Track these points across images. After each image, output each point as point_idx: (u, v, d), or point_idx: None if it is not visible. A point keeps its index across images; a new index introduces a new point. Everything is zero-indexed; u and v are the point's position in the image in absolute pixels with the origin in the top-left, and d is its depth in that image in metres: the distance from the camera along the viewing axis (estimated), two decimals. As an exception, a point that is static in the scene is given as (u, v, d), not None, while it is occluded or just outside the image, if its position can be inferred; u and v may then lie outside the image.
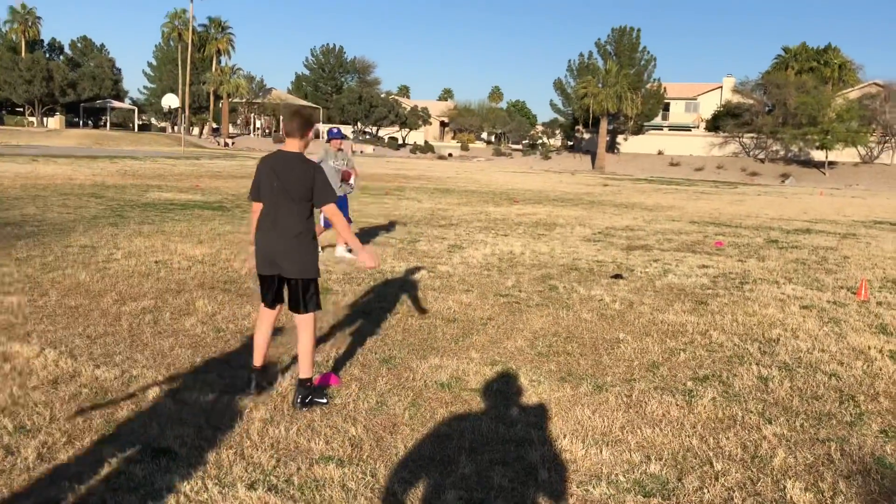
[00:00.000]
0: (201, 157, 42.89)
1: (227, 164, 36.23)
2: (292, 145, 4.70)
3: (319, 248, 4.44)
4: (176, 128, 78.08)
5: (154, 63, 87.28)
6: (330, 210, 4.67)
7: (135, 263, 8.86)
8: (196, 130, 78.82)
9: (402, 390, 4.98)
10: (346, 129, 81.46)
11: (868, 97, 61.19)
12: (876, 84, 64.57)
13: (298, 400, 4.60)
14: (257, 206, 4.80)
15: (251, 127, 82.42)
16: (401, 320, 6.83)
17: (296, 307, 4.74)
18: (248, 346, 5.77)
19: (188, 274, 8.44)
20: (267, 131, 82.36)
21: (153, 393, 4.68)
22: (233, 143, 69.49)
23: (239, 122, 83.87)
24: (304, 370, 4.68)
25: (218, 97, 74.18)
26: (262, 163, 4.77)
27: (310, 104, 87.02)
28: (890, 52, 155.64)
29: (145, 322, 6.34)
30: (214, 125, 78.37)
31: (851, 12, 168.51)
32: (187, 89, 74.95)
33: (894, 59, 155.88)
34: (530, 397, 4.98)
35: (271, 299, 4.86)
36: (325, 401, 4.65)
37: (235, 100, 75.12)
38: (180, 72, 76.26)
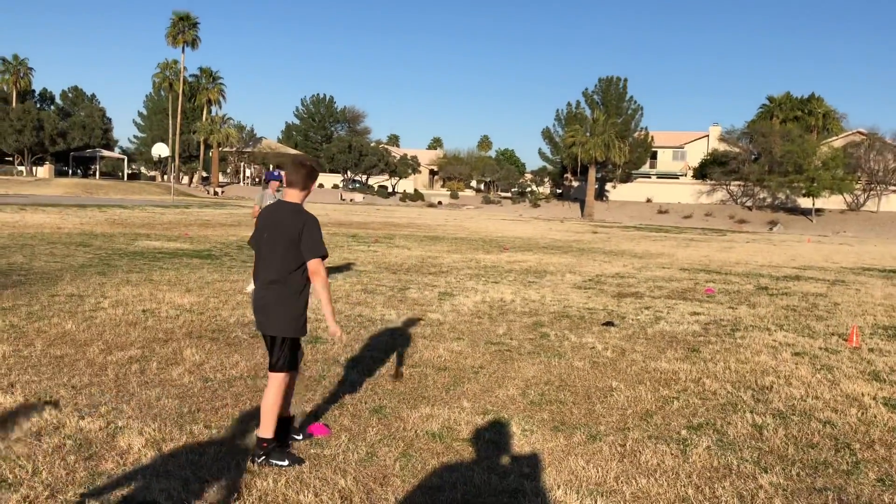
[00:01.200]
0: (191, 206, 42.94)
1: (217, 213, 36.26)
2: (292, 196, 4.59)
3: (308, 306, 4.26)
4: (166, 177, 78.30)
5: (144, 112, 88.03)
6: (313, 266, 4.44)
7: (122, 312, 8.77)
8: (186, 179, 79.04)
9: (392, 440, 4.90)
10: (335, 178, 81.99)
11: (852, 145, 62.22)
12: (860, 132, 65.69)
13: (255, 458, 4.40)
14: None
15: (241, 176, 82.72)
16: (391, 369, 6.75)
17: (270, 361, 4.60)
18: (235, 395, 5.69)
19: (176, 323, 8.36)
20: (256, 180, 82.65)
21: (138, 444, 4.59)
22: (222, 192, 69.67)
23: (229, 170, 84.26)
24: (263, 429, 4.44)
25: (208, 146, 74.66)
26: (262, 212, 4.72)
27: (299, 153, 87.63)
28: (872, 100, 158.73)
29: (132, 372, 6.24)
30: (204, 174, 78.66)
31: (834, 62, 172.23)
32: (177, 138, 75.42)
33: (877, 108, 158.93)
34: (523, 447, 4.91)
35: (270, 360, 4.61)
36: (285, 462, 4.36)
37: (225, 149, 75.62)
38: (171, 121, 76.84)
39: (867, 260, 25.06)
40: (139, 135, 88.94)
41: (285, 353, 4.52)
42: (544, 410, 5.73)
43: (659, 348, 8.23)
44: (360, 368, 6.71)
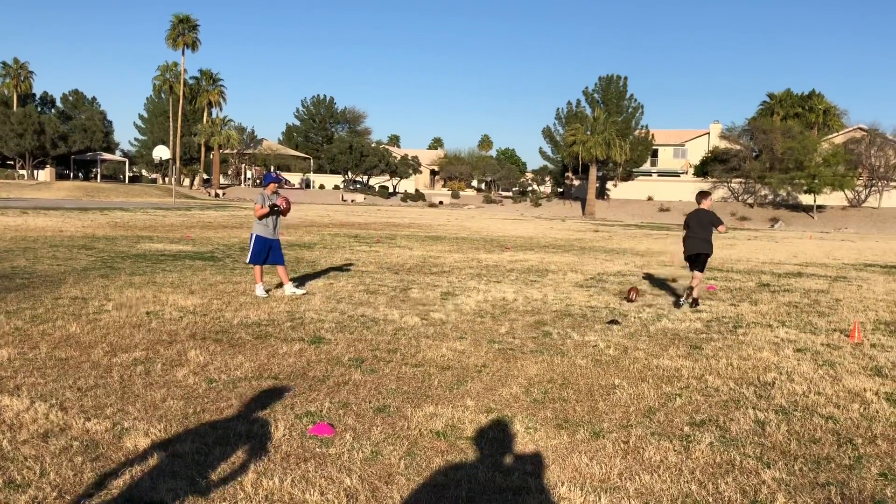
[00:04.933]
0: (192, 208, 42.98)
1: (218, 215, 36.31)
2: None
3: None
4: (167, 179, 78.41)
5: (145, 115, 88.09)
6: None
7: (126, 315, 8.81)
8: (187, 181, 79.14)
9: (397, 439, 4.93)
10: (336, 179, 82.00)
11: (853, 141, 62.22)
12: (860, 129, 65.67)
13: None
14: None
15: (242, 177, 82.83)
16: (395, 368, 6.78)
17: None
18: (240, 395, 5.72)
19: (180, 325, 8.39)
20: (257, 181, 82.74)
21: (145, 445, 4.62)
22: (223, 194, 69.74)
23: (230, 172, 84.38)
24: None
25: (209, 148, 74.74)
26: None
27: (300, 154, 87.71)
28: (873, 97, 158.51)
29: (136, 373, 6.27)
30: (205, 176, 78.76)
31: (834, 59, 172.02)
32: (178, 141, 75.48)
33: (878, 104, 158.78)
34: (526, 445, 4.94)
35: None
36: None
37: (226, 151, 75.69)
38: (171, 124, 76.92)
39: (869, 256, 25.05)
40: (140, 137, 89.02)
41: None
42: (547, 408, 5.75)
43: (661, 346, 8.25)
44: (363, 368, 6.74)
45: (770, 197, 63.93)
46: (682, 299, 11.32)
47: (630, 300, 11.50)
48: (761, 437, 5.23)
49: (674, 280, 14.52)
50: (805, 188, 58.89)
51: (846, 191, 60.10)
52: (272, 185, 11.00)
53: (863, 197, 61.29)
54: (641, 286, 13.48)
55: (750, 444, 5.07)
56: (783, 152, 60.68)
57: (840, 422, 5.64)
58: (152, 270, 13.12)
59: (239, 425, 5.07)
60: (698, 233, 11.42)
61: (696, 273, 11.42)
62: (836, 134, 69.83)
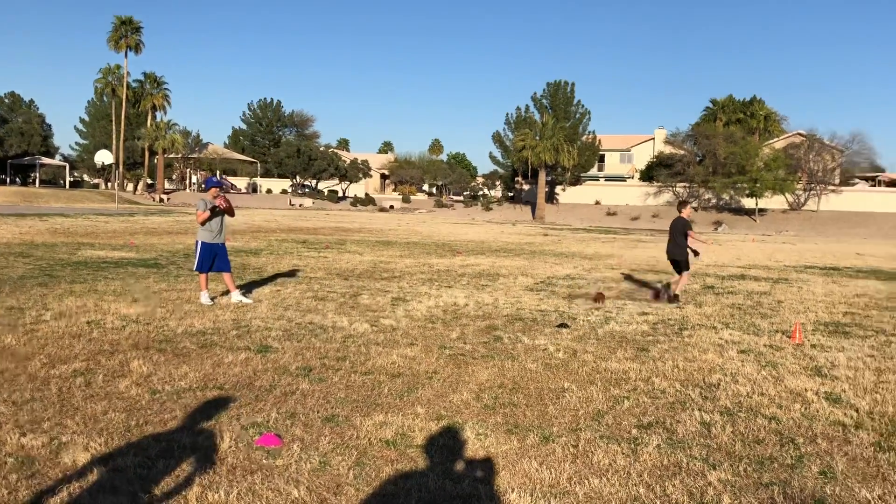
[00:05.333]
0: (136, 214, 42.09)
1: (163, 221, 35.60)
2: None
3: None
4: (109, 184, 76.63)
5: (87, 119, 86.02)
6: None
7: (65, 324, 8.54)
8: (130, 186, 77.47)
9: (346, 449, 4.87)
10: (283, 183, 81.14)
11: (793, 146, 64.15)
12: (800, 134, 67.72)
13: None
14: None
15: (187, 182, 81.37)
16: (344, 376, 6.71)
17: None
18: (184, 406, 5.58)
19: (122, 334, 8.17)
20: (203, 186, 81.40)
21: (84, 460, 4.47)
22: (168, 199, 68.45)
23: (175, 177, 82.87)
24: None
25: (153, 152, 73.21)
26: None
27: (247, 158, 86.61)
28: (811, 103, 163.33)
29: (76, 385, 6.08)
30: (149, 181, 77.21)
31: (775, 65, 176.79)
32: (121, 145, 73.84)
33: (816, 110, 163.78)
34: (477, 451, 4.92)
35: None
36: None
37: (171, 155, 74.33)
38: (114, 127, 75.19)
39: (808, 258, 25.78)
40: (81, 142, 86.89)
41: None
42: (498, 414, 5.75)
43: (609, 348, 8.33)
44: (311, 377, 6.65)
45: (714, 201, 65.38)
46: (667, 295, 12.55)
47: (598, 303, 11.95)
48: (707, 439, 5.31)
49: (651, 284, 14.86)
50: (747, 192, 60.48)
51: (787, 195, 61.85)
52: (213, 189, 10.86)
53: (802, 200, 63.10)
54: (591, 290, 13.62)
55: (696, 446, 5.14)
56: (726, 157, 62.20)
57: (782, 422, 5.76)
58: (94, 278, 12.77)
59: (183, 437, 4.95)
60: (673, 238, 12.79)
61: (676, 276, 12.87)
62: (776, 139, 71.89)
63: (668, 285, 13.10)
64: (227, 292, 10.98)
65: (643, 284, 14.90)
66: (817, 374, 7.37)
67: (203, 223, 10.61)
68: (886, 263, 24.20)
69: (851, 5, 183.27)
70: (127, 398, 5.80)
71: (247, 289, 11.93)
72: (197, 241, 10.67)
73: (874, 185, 76.85)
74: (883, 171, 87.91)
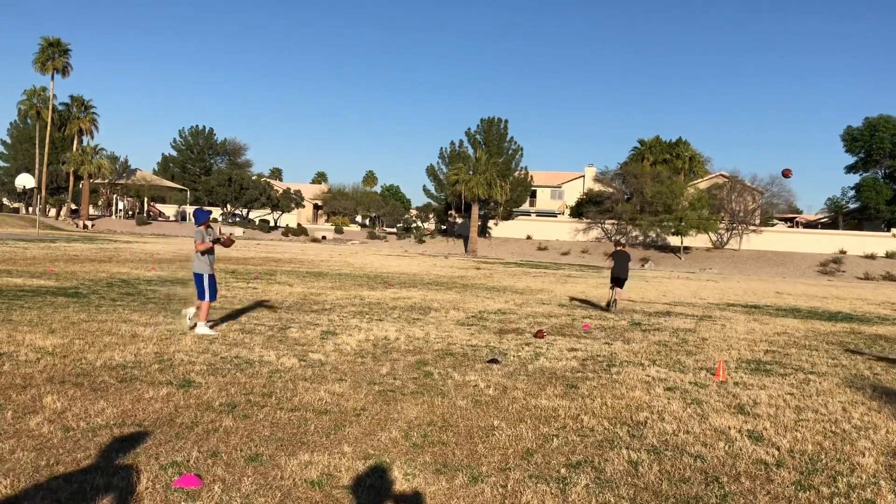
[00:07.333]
0: (57, 240, 40.64)
1: (85, 248, 34.45)
2: None
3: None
4: (31, 209, 73.91)
5: (8, 141, 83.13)
6: None
7: (-26, 357, 8.10)
8: (53, 212, 74.89)
9: (269, 490, 4.71)
10: (214, 212, 79.72)
11: (716, 187, 66.44)
12: (723, 175, 70.23)
13: None
14: None
15: (113, 208, 79.14)
16: (269, 413, 6.53)
17: None
18: (99, 444, 5.33)
19: (36, 367, 7.79)
20: (130, 213, 79.31)
21: (-14, 505, 4.20)
22: (92, 226, 66.40)
23: (101, 203, 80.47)
24: None
25: (78, 177, 71.05)
26: None
27: (177, 185, 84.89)
28: (732, 146, 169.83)
29: (-18, 423, 5.74)
30: (74, 206, 74.79)
31: (699, 109, 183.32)
32: (45, 169, 71.38)
33: (738, 152, 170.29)
34: (405, 492, 4.83)
35: None
36: None
37: (97, 180, 72.25)
38: (38, 151, 72.71)
39: (731, 296, 26.54)
40: (2, 164, 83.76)
41: None
42: (427, 453, 5.67)
43: (539, 385, 8.35)
44: (235, 414, 6.45)
45: (640, 238, 66.94)
46: (610, 306, 17.75)
47: (539, 338, 12.19)
48: (634, 478, 5.33)
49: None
50: (673, 230, 62.20)
51: (710, 233, 63.83)
52: (205, 223, 11.17)
53: (725, 239, 65.16)
54: (521, 325, 13.68)
55: (624, 486, 5.16)
56: (652, 196, 63.92)
57: (707, 460, 5.84)
58: (8, 307, 12.20)
59: (97, 478, 4.71)
60: (621, 265, 17.87)
61: (618, 290, 17.90)
62: (700, 179, 74.28)
63: (613, 301, 17.84)
64: (194, 326, 10.92)
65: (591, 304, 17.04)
66: (740, 412, 7.52)
67: (203, 253, 10.98)
68: (803, 302, 25.11)
69: (772, 55, 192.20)
70: (37, 436, 5.51)
71: (171, 320, 11.58)
72: (201, 274, 10.99)
73: (792, 226, 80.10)
74: (801, 212, 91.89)
